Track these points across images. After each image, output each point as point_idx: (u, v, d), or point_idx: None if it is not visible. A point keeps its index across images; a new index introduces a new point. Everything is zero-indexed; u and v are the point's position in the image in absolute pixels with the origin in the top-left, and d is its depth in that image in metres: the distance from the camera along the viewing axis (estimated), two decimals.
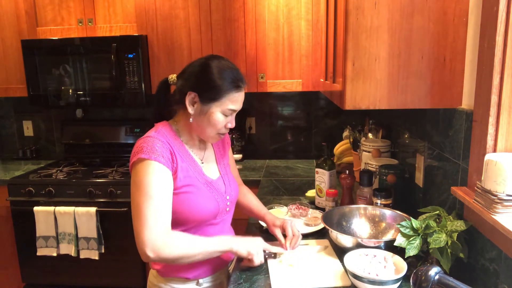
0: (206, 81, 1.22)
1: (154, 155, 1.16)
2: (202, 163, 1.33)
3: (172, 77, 1.31)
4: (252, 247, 1.23)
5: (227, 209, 1.36)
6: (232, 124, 1.28)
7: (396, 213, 1.42)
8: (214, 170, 1.38)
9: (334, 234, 1.33)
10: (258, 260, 1.24)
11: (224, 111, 1.23)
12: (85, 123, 2.99)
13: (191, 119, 1.25)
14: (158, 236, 1.11)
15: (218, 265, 1.36)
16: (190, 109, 1.23)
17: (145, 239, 1.11)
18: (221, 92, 1.21)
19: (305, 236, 1.48)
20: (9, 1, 2.62)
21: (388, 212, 1.45)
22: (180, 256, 1.14)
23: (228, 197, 1.36)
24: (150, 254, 1.11)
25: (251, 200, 1.55)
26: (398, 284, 1.09)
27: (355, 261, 1.18)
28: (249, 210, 1.54)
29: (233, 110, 1.25)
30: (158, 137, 1.21)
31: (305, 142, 2.94)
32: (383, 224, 1.44)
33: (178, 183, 1.22)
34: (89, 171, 2.61)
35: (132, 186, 1.17)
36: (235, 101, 1.23)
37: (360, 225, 1.47)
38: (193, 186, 1.25)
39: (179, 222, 1.23)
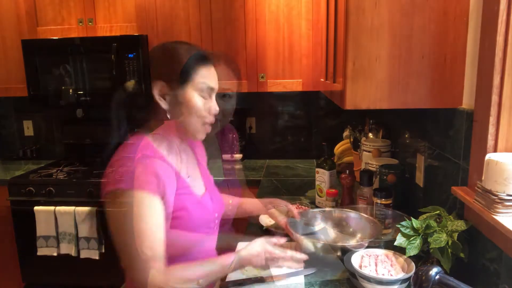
0: (169, 63, 1.09)
1: (144, 183, 1.00)
2: (188, 177, 1.18)
3: (131, 83, 1.20)
4: (255, 261, 1.10)
5: (215, 227, 1.25)
6: (216, 108, 1.14)
7: (361, 215, 1.43)
8: (200, 184, 1.24)
9: (300, 238, 1.28)
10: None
11: (200, 90, 1.10)
12: (85, 123, 2.98)
13: (168, 115, 1.11)
14: (156, 277, 1.00)
15: None
16: (163, 104, 1.10)
17: (144, 281, 1.01)
18: (188, 70, 1.08)
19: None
20: (9, 1, 2.61)
21: (352, 214, 1.45)
22: None
23: (216, 215, 1.24)
24: None
25: (242, 207, 1.48)
26: (406, 284, 1.09)
27: (358, 261, 1.18)
28: (243, 213, 1.48)
29: (209, 89, 1.12)
30: (144, 160, 1.05)
31: (305, 142, 2.94)
32: (350, 229, 1.43)
33: (168, 209, 1.06)
34: (89, 171, 2.61)
35: (118, 219, 1.05)
36: (206, 76, 1.11)
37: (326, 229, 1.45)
38: (185, 210, 1.10)
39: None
